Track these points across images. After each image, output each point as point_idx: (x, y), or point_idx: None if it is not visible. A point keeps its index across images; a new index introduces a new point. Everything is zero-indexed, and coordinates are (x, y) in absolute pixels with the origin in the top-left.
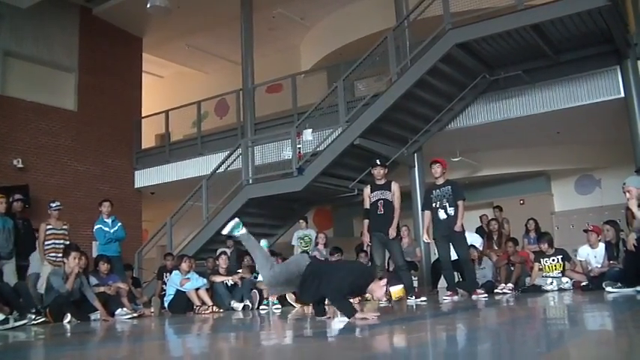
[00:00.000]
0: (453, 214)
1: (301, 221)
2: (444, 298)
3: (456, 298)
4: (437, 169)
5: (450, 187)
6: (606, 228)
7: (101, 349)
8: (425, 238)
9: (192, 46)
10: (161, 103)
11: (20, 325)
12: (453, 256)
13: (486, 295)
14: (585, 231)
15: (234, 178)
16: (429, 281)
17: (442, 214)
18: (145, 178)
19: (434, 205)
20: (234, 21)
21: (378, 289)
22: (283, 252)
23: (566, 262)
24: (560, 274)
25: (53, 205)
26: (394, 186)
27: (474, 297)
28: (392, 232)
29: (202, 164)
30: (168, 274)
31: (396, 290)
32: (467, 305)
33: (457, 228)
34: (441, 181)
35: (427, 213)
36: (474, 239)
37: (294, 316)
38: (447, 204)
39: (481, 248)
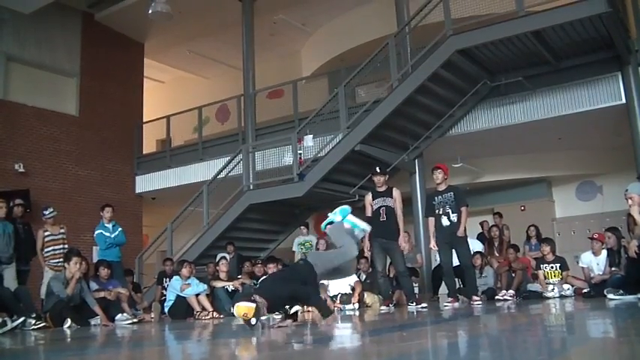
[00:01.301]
0: (455, 220)
1: (302, 227)
2: (445, 304)
3: (456, 304)
4: (438, 175)
5: (452, 193)
6: (607, 235)
7: (101, 355)
8: (432, 245)
9: (194, 51)
10: (162, 108)
11: (18, 324)
12: (454, 262)
13: (481, 302)
14: (591, 238)
15: (235, 184)
16: (429, 287)
17: (445, 221)
18: (146, 183)
19: (436, 211)
20: (236, 26)
21: None
22: (284, 258)
23: (563, 272)
24: (558, 281)
25: (47, 212)
26: (395, 192)
27: (471, 303)
28: (402, 244)
29: (203, 170)
30: (167, 279)
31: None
32: (468, 312)
33: (460, 233)
34: (442, 187)
35: (431, 220)
36: (475, 246)
37: (295, 322)
38: (450, 210)
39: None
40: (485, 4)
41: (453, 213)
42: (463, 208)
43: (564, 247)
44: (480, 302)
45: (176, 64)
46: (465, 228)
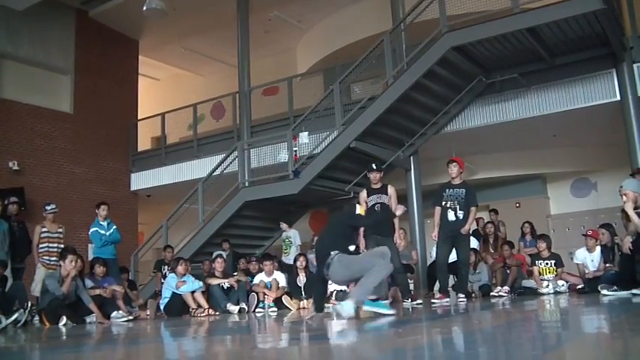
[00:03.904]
0: (461, 217)
1: (282, 223)
2: (434, 301)
3: (446, 301)
4: (453, 169)
5: (464, 190)
6: (601, 231)
7: (97, 352)
8: (434, 235)
9: (189, 48)
10: (157, 105)
11: (12, 321)
12: (451, 258)
13: (465, 299)
14: (585, 235)
15: (231, 181)
16: (425, 284)
17: (451, 216)
18: (141, 180)
19: (444, 203)
20: (231, 23)
21: None
22: (279, 255)
23: (558, 268)
24: (552, 278)
25: (48, 207)
26: (390, 189)
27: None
28: (397, 241)
29: (198, 167)
30: (166, 266)
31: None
32: (462, 308)
33: (464, 231)
34: (457, 182)
35: (437, 209)
36: (470, 242)
37: (290, 318)
38: (458, 206)
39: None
40: (481, 1)
41: (460, 210)
42: (472, 208)
43: (559, 243)
44: (464, 299)
45: (171, 61)
46: (469, 227)
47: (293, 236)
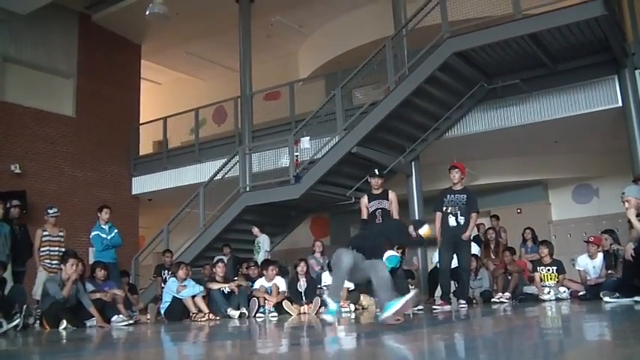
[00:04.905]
0: (462, 223)
1: (254, 227)
2: (435, 307)
3: (447, 308)
4: (455, 175)
5: (465, 195)
6: (604, 237)
7: (97, 356)
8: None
9: (191, 53)
10: (159, 109)
11: (14, 326)
12: (452, 264)
13: (466, 305)
14: (586, 242)
15: (232, 186)
16: (425, 290)
17: (452, 221)
18: (143, 184)
19: (444, 209)
20: (233, 28)
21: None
22: (279, 260)
23: (560, 275)
24: (554, 284)
25: (50, 211)
26: (391, 195)
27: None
28: None
29: (200, 171)
30: (166, 271)
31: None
32: (463, 314)
33: (465, 237)
34: (458, 187)
35: (438, 214)
36: (472, 248)
37: (291, 324)
38: (459, 212)
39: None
40: (483, 7)
41: (461, 215)
42: (473, 214)
43: (560, 249)
44: (465, 305)
45: (173, 65)
46: (470, 233)
47: (262, 241)
